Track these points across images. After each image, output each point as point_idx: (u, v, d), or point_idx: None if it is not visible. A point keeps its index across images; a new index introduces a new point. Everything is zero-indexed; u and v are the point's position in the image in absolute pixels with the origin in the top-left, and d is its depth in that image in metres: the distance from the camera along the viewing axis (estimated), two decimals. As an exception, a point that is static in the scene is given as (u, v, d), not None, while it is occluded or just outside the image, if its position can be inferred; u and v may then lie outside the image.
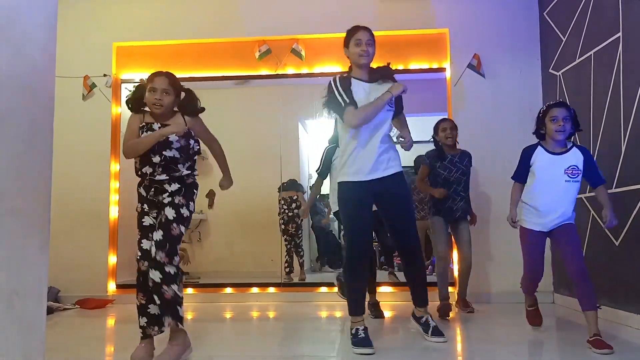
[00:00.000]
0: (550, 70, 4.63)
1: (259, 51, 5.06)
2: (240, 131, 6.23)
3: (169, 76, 2.75)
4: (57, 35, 2.09)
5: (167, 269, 2.55)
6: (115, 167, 5.15)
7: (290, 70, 5.16)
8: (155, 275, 2.54)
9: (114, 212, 5.09)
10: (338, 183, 3.10)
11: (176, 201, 2.67)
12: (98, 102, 5.12)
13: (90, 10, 5.25)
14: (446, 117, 4.44)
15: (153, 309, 2.65)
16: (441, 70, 5.03)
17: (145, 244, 2.64)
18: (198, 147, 2.83)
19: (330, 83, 3.03)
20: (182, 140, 2.71)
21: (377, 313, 3.91)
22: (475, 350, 3.00)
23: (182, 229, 2.66)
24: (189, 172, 2.76)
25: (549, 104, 3.09)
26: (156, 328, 2.67)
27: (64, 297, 4.79)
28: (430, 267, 6.41)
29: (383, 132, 3.00)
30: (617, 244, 3.50)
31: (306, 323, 3.83)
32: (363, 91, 3.01)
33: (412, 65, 5.05)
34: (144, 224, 2.69)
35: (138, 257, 2.65)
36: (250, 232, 6.15)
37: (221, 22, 5.16)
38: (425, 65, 5.06)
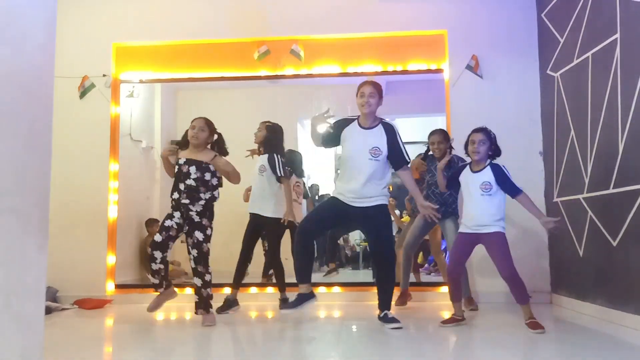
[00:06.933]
0: (548, 72, 4.64)
1: (258, 52, 5.07)
2: (239, 132, 6.21)
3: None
4: (56, 35, 2.10)
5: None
6: (114, 167, 5.15)
7: (289, 71, 5.17)
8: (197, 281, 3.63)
9: (112, 212, 5.09)
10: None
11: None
12: (97, 102, 5.11)
13: (90, 10, 5.24)
14: (436, 129, 4.41)
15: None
16: (439, 71, 5.04)
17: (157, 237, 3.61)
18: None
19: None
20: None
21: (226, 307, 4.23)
22: (473, 351, 3.00)
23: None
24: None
25: (473, 129, 3.53)
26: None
27: (63, 297, 4.78)
28: (426, 265, 6.43)
29: (367, 174, 3.46)
30: (614, 244, 3.51)
31: (304, 323, 3.83)
32: (356, 134, 3.54)
33: (411, 66, 5.06)
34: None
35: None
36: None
37: (220, 23, 5.16)
38: (423, 66, 5.06)
